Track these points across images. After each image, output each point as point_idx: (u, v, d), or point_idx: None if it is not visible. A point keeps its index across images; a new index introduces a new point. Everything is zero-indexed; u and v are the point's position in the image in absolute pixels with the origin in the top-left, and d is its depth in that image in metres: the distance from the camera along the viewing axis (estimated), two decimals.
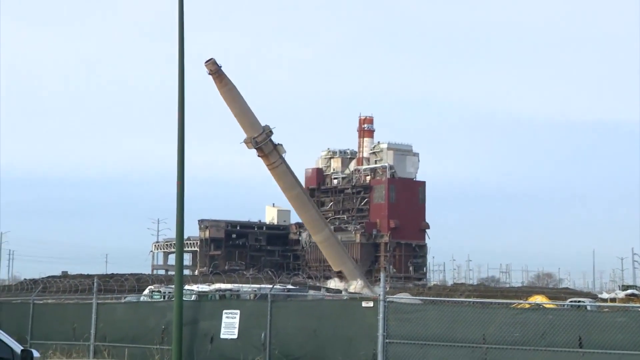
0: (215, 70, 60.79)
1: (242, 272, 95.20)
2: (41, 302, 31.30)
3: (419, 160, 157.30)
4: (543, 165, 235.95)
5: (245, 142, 66.40)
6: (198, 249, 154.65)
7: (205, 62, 60.86)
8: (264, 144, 65.91)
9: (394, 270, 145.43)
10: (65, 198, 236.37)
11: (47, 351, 26.24)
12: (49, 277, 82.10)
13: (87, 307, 27.21)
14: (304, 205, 68.69)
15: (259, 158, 68.19)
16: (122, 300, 33.33)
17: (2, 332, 13.46)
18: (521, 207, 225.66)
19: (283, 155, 67.60)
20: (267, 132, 66.28)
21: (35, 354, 13.02)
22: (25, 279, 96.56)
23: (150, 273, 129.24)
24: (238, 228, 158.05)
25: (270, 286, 29.00)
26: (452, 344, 19.36)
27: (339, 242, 72.96)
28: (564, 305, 25.23)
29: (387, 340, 20.12)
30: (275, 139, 67.99)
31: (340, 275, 69.71)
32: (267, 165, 68.93)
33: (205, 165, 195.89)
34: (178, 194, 23.55)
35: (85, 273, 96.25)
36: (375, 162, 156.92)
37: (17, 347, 13.09)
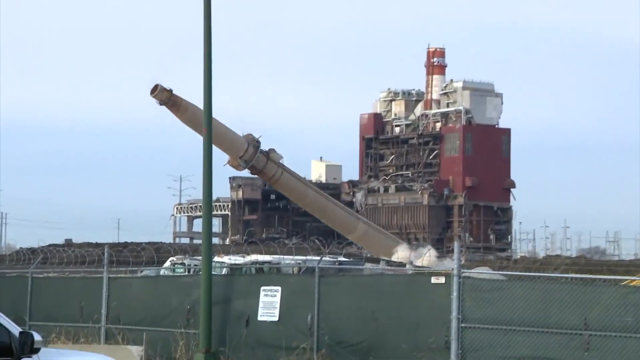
0: (166, 98, 57.95)
1: (283, 240, 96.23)
2: (41, 275, 31.95)
3: (502, 103, 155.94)
4: None
5: (231, 165, 64.97)
6: (230, 213, 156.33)
7: (151, 94, 57.83)
8: (255, 160, 64.89)
9: (471, 239, 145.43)
10: (69, 151, 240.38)
11: (50, 334, 26.76)
12: (50, 245, 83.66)
13: (97, 283, 27.70)
14: (325, 208, 68.35)
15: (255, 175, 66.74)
16: (139, 275, 33.89)
17: None
18: (635, 160, 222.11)
19: (281, 161, 66.74)
20: (254, 144, 64.80)
21: (37, 336, 13.30)
22: (21, 247, 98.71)
23: (171, 242, 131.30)
24: None
25: (318, 258, 29.19)
26: (544, 330, 19.31)
27: (379, 230, 72.66)
28: None
29: (462, 325, 20.17)
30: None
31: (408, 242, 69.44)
32: (267, 181, 68.32)
33: (237, 110, 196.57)
34: (205, 143, 23.73)
35: (94, 241, 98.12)
36: (448, 105, 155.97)
37: (15, 329, 13.39)
